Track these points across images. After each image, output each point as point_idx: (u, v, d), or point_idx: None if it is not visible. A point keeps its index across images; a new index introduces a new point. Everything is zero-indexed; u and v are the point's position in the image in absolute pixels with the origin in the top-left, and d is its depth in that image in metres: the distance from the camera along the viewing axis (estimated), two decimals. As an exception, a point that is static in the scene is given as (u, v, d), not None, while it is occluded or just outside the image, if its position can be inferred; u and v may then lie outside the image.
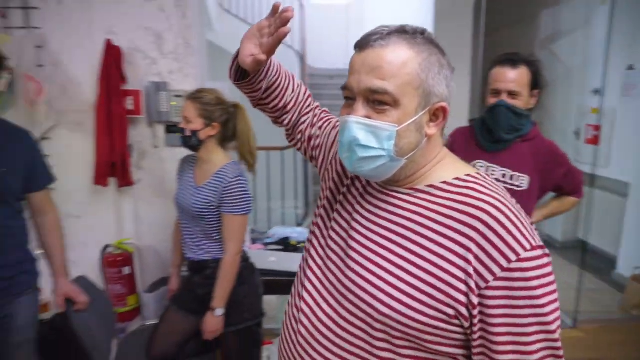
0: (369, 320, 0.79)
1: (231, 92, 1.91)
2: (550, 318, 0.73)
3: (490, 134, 1.71)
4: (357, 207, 0.88)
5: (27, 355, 1.66)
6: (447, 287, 0.74)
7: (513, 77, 1.62)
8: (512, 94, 1.63)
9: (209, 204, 1.80)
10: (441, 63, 0.80)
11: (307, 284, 0.91)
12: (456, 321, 0.74)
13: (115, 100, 2.38)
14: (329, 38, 7.31)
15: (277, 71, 1.01)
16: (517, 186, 1.67)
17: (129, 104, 2.46)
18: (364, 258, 0.82)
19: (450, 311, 0.74)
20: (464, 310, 0.73)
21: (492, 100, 1.67)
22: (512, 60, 1.63)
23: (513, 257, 0.72)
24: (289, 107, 1.09)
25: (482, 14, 3.37)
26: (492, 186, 0.80)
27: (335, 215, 0.92)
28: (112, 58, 2.39)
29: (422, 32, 0.80)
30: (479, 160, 1.73)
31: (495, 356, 0.74)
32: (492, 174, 1.70)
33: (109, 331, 1.97)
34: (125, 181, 2.46)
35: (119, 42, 2.44)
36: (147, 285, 2.56)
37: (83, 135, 2.52)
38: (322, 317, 0.86)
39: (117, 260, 2.45)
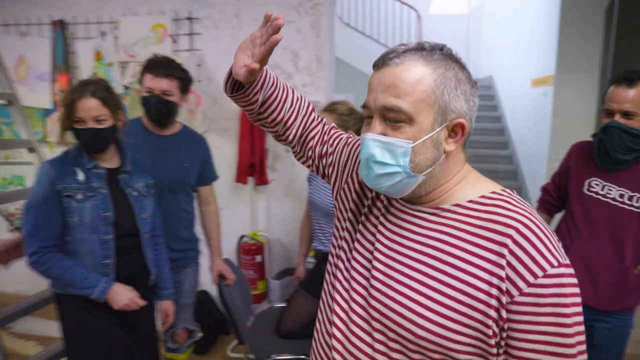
0: (404, 342, 0.78)
1: (357, 102, 2.15)
2: (574, 334, 0.72)
3: (607, 153, 1.67)
4: (380, 228, 0.87)
5: (189, 316, 2.06)
6: (482, 304, 0.73)
7: (629, 97, 1.55)
8: (627, 115, 1.57)
9: None
10: (458, 78, 0.79)
11: (336, 308, 0.89)
12: (492, 340, 0.74)
13: (257, 110, 2.76)
14: (445, 48, 7.29)
15: (273, 83, 0.98)
16: (637, 207, 1.63)
17: (268, 113, 2.82)
18: (393, 280, 0.81)
19: (486, 329, 0.74)
20: (495, 328, 0.73)
21: (604, 121, 1.63)
22: (629, 79, 1.57)
23: (540, 273, 0.71)
24: (290, 121, 1.04)
25: (614, 19, 3.21)
26: (519, 203, 0.79)
27: (358, 236, 0.90)
28: (256, 74, 2.77)
29: (441, 47, 0.80)
30: (594, 178, 1.70)
31: None
32: (609, 194, 1.67)
33: (247, 308, 2.30)
34: (262, 180, 2.83)
35: (262, 60, 2.81)
36: (274, 273, 2.90)
37: (228, 140, 2.94)
38: (357, 342, 0.84)
39: (251, 249, 2.82)
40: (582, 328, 0.73)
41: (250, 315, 2.42)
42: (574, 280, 0.73)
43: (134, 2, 2.99)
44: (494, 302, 0.73)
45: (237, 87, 0.97)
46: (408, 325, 0.77)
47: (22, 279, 3.18)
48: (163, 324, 1.87)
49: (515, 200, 0.80)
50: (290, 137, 1.06)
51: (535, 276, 0.72)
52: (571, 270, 0.74)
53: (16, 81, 3.22)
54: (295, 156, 1.11)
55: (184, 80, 1.95)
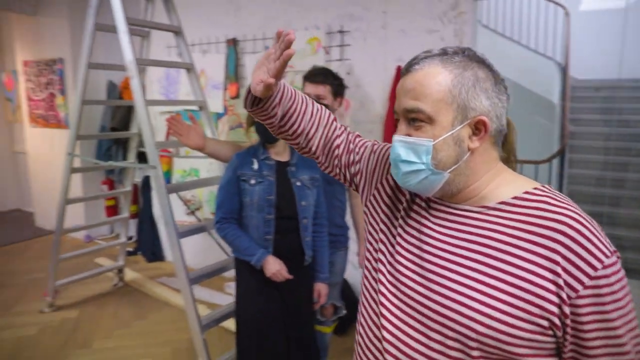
0: (464, 340, 0.79)
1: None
2: (633, 318, 0.77)
3: None
4: (425, 229, 0.88)
5: (337, 294, 2.37)
6: (540, 299, 0.75)
7: None
8: None
9: None
10: (477, 77, 0.82)
11: (384, 311, 0.88)
12: (550, 332, 0.76)
13: (400, 114, 2.98)
14: (597, 46, 6.74)
15: (291, 97, 1.01)
16: None
17: (410, 117, 3.03)
18: (448, 279, 0.82)
19: (545, 322, 0.75)
20: (557, 321, 0.75)
21: None
22: None
23: (599, 265, 0.74)
24: (311, 132, 1.06)
25: None
26: (563, 199, 0.81)
27: (399, 239, 0.91)
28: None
29: (464, 51, 0.84)
30: None
31: None
32: None
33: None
34: (401, 179, 3.05)
35: (405, 67, 3.03)
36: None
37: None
38: (412, 343, 0.84)
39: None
40: (633, 307, 0.78)
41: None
42: (621, 272, 0.77)
43: (293, 19, 3.43)
44: (554, 297, 0.75)
45: (256, 102, 1.00)
46: (468, 322, 0.78)
47: (188, 255, 3.82)
48: (315, 303, 2.17)
49: (557, 196, 0.82)
50: (314, 149, 1.09)
51: (595, 269, 0.74)
52: (618, 260, 0.77)
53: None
54: (321, 167, 1.13)
55: (337, 86, 2.26)
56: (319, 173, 2.08)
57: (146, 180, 4.57)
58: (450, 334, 0.80)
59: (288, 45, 0.87)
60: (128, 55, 2.48)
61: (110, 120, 4.83)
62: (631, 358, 0.77)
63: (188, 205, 4.19)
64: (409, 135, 0.84)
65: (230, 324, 3.10)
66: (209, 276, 2.62)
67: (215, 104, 3.85)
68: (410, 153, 0.83)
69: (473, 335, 0.77)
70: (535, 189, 0.83)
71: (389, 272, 0.91)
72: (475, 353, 0.78)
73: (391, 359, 0.86)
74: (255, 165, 2.01)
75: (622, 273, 0.77)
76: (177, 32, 2.87)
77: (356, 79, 3.24)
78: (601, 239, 0.77)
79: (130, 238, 4.73)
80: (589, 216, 0.80)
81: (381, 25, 3.11)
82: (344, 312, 2.52)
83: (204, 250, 3.91)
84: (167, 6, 2.89)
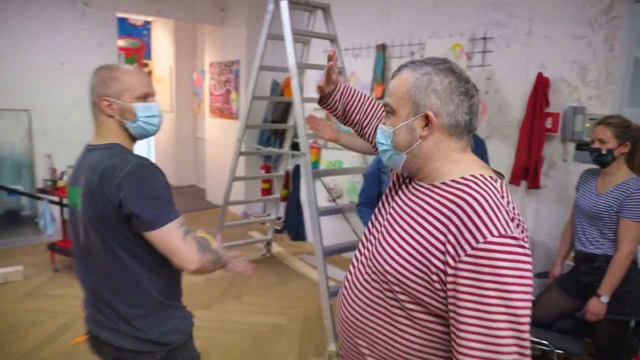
0: (379, 276, 1.02)
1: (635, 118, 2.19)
2: (518, 304, 0.83)
3: None
4: (396, 199, 1.11)
5: None
6: (431, 256, 0.92)
7: None
8: None
9: (609, 208, 2.16)
10: (431, 81, 0.99)
11: (354, 259, 1.16)
12: (439, 285, 0.92)
13: (537, 120, 3.00)
14: None
15: (349, 94, 1.42)
16: None
17: (548, 123, 3.03)
18: (387, 235, 1.04)
19: (434, 276, 0.92)
20: (443, 277, 0.91)
21: None
22: None
23: (481, 239, 0.86)
24: (365, 122, 1.44)
25: None
26: (485, 185, 0.93)
27: (382, 207, 1.17)
28: (541, 86, 3.01)
29: (438, 62, 1.02)
30: None
31: (460, 326, 0.88)
32: None
33: None
34: (534, 184, 3.06)
35: (548, 74, 3.03)
36: (534, 272, 3.09)
37: (507, 145, 3.27)
38: (355, 277, 1.11)
39: (515, 245, 3.09)
40: (526, 296, 0.84)
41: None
42: (521, 251, 0.85)
43: (439, 27, 3.63)
44: (441, 256, 0.91)
45: (323, 99, 1.44)
46: (383, 263, 1.01)
47: (326, 237, 4.26)
48: None
49: (483, 183, 0.94)
50: (367, 135, 1.45)
51: (477, 242, 0.86)
52: (520, 243, 0.86)
53: (346, 90, 4.35)
54: (376, 152, 1.42)
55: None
56: None
57: (297, 169, 5.20)
58: (374, 270, 1.04)
59: (329, 58, 1.31)
60: (291, 59, 2.99)
61: (271, 113, 5.58)
62: (500, 335, 0.84)
63: (330, 193, 4.67)
64: (384, 124, 1.07)
65: None
66: (340, 251, 3.02)
67: (361, 103, 4.25)
68: (382, 136, 1.07)
69: (383, 272, 1.01)
70: (472, 176, 0.97)
71: (370, 232, 1.16)
72: (384, 286, 1.02)
73: (344, 290, 1.14)
74: None
75: (514, 257, 0.85)
76: (333, 39, 3.31)
77: (496, 84, 3.32)
78: (495, 221, 0.88)
79: (279, 218, 5.43)
80: (502, 204, 0.91)
81: (526, 32, 3.15)
82: None
83: (339, 234, 4.35)
84: (325, 17, 3.35)
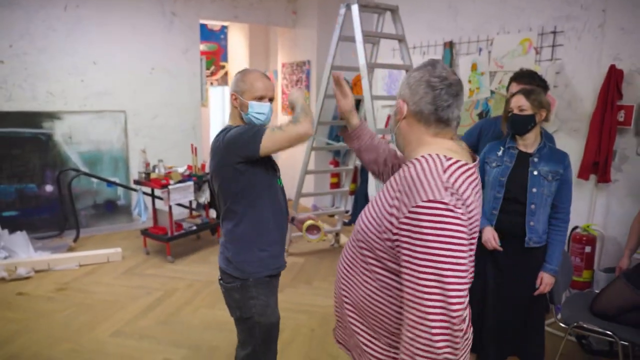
0: (356, 236, 1.23)
1: None
2: (444, 266, 0.98)
3: None
4: None
5: None
6: (385, 216, 1.11)
7: None
8: None
9: None
10: (410, 76, 1.21)
11: None
12: (389, 243, 1.10)
13: (608, 113, 2.97)
14: None
15: (367, 136, 1.61)
16: None
17: (620, 116, 2.98)
18: (371, 202, 1.23)
19: (385, 235, 1.10)
20: (392, 235, 1.09)
21: None
22: None
23: (414, 202, 1.04)
24: (379, 166, 1.60)
25: None
26: (432, 160, 1.10)
27: None
28: (613, 79, 2.97)
29: (429, 62, 1.20)
30: None
31: (402, 281, 1.07)
32: None
33: (564, 283, 2.63)
34: (604, 179, 3.03)
35: (621, 66, 2.98)
36: (603, 267, 3.06)
37: (576, 139, 3.25)
38: (349, 240, 1.32)
39: (582, 239, 3.07)
40: (452, 259, 0.99)
41: (566, 292, 2.75)
42: (448, 214, 1.01)
43: (507, 22, 3.66)
44: (389, 216, 1.10)
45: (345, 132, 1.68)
46: (359, 223, 1.22)
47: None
48: (536, 289, 2.21)
49: (431, 158, 1.11)
50: (377, 174, 1.64)
51: (412, 205, 1.04)
52: (449, 207, 1.02)
53: (413, 87, 4.46)
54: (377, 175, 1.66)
55: (542, 88, 2.41)
56: (563, 168, 2.15)
57: (364, 164, 5.38)
58: (356, 232, 1.25)
59: (336, 81, 1.58)
60: (362, 60, 3.18)
61: (340, 111, 5.80)
62: (426, 292, 1.00)
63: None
64: None
65: None
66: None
67: (428, 99, 4.34)
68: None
69: (358, 233, 1.22)
70: (429, 154, 1.13)
71: None
72: (359, 244, 1.22)
73: (339, 262, 1.36)
74: (500, 152, 2.27)
75: (441, 218, 1.01)
76: (400, 39, 3.46)
77: (566, 78, 3.30)
78: (427, 187, 1.04)
79: (347, 211, 5.65)
80: (439, 175, 1.07)
81: (599, 23, 3.11)
82: None
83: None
84: (394, 18, 3.50)
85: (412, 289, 1.03)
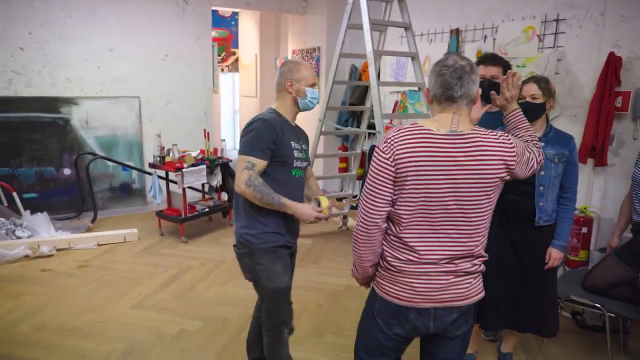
0: None
1: None
2: (368, 182, 1.52)
3: None
4: None
5: None
6: None
7: None
8: None
9: None
10: (431, 69, 1.52)
11: None
12: None
13: (606, 99, 3.07)
14: None
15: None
16: None
17: (618, 102, 3.08)
18: None
19: None
20: None
21: None
22: None
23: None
24: None
25: None
26: (395, 130, 1.51)
27: None
28: (612, 66, 3.06)
29: (446, 57, 1.51)
30: None
31: None
32: None
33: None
34: (601, 162, 3.14)
35: (621, 53, 3.07)
36: (598, 247, 3.19)
37: (576, 124, 3.35)
38: None
39: (579, 220, 3.18)
40: (370, 178, 1.51)
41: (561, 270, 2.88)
42: (375, 153, 1.50)
43: (512, 10, 3.74)
44: None
45: None
46: None
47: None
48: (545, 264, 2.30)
49: (407, 125, 1.52)
50: None
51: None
52: (378, 149, 1.50)
53: (423, 74, 4.57)
54: None
55: (505, 67, 2.44)
56: (568, 151, 2.23)
57: (372, 149, 5.51)
58: None
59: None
60: (369, 47, 3.30)
61: (349, 97, 5.92)
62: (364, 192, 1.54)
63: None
64: None
65: None
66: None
67: (434, 86, 4.45)
68: None
69: None
70: (411, 123, 1.55)
71: None
72: None
73: None
74: None
75: (375, 154, 1.52)
76: (407, 27, 3.57)
77: (567, 65, 3.39)
78: (383, 139, 1.55)
79: (355, 196, 5.80)
80: (391, 134, 1.50)
81: (600, 12, 3.19)
82: None
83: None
84: (400, 6, 3.61)
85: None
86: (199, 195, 5.31)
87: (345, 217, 5.02)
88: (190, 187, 4.80)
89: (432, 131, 1.45)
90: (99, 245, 4.37)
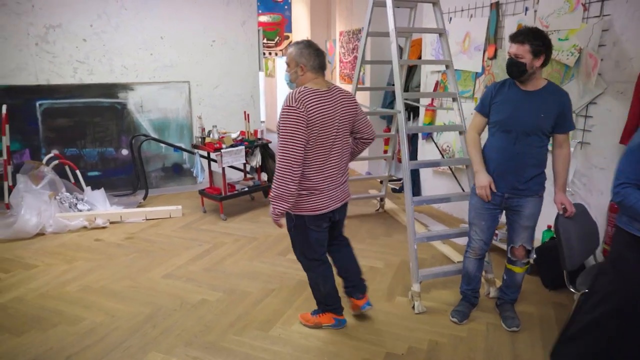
0: None
1: None
2: (286, 136, 2.20)
3: None
4: None
5: (527, 237, 2.62)
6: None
7: None
8: None
9: None
10: (301, 49, 2.35)
11: None
12: None
13: (652, 73, 2.76)
14: None
15: None
16: None
17: (666, 76, 2.76)
18: None
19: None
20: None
21: None
22: None
23: (282, 107, 2.25)
24: None
25: None
26: (295, 89, 2.27)
27: None
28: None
29: (309, 44, 2.37)
30: None
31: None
32: None
33: (584, 249, 2.55)
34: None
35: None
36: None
37: (622, 102, 3.05)
38: None
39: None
40: (288, 134, 2.21)
41: (591, 258, 2.66)
42: (289, 111, 2.20)
43: (556, -22, 3.45)
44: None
45: None
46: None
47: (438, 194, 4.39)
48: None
49: (300, 89, 2.27)
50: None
51: (283, 108, 2.26)
52: (292, 108, 2.20)
53: (461, 52, 4.37)
54: None
55: (536, 46, 2.35)
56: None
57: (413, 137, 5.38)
58: None
59: None
60: (391, 24, 3.22)
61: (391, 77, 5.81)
62: (277, 153, 2.24)
63: (443, 154, 4.79)
64: None
65: (442, 246, 3.75)
66: (429, 202, 3.25)
67: (475, 64, 4.25)
68: None
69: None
70: (303, 87, 2.31)
71: None
72: None
73: None
74: None
75: (288, 119, 2.20)
76: (434, 2, 3.43)
77: (614, 35, 3.09)
78: (287, 101, 2.23)
79: (399, 179, 5.73)
80: (297, 94, 2.24)
81: (651, -26, 2.87)
82: (534, 256, 2.70)
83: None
84: (433, -19, 3.47)
85: (278, 145, 2.25)
86: (241, 175, 5.52)
87: (382, 199, 4.98)
88: (232, 167, 5.00)
89: (320, 90, 2.29)
90: (146, 219, 4.72)
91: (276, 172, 2.23)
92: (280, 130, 2.21)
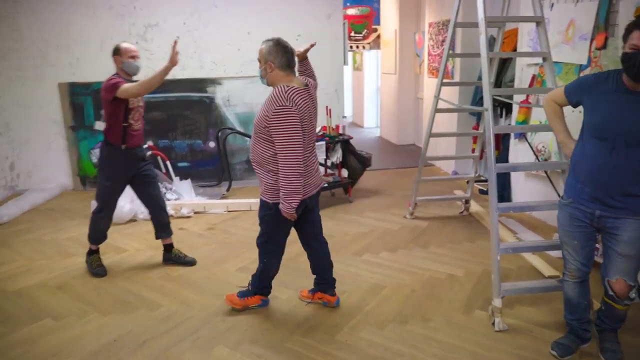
0: (255, 129, 2.54)
1: None
2: (287, 134, 2.35)
3: None
4: None
5: (628, 269, 2.16)
6: (265, 120, 2.42)
7: None
8: None
9: None
10: (272, 47, 2.50)
11: None
12: (267, 130, 2.42)
13: None
14: None
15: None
16: None
17: None
18: None
19: (266, 129, 2.42)
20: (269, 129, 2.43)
21: None
22: None
23: (273, 110, 2.36)
24: None
25: None
26: (281, 87, 2.40)
27: None
28: None
29: (278, 41, 2.50)
30: None
31: (274, 142, 2.43)
32: None
33: None
34: None
35: None
36: None
37: None
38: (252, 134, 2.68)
39: None
40: (287, 132, 2.36)
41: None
42: (287, 111, 2.34)
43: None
44: (265, 117, 2.42)
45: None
46: (255, 122, 2.58)
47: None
48: None
49: (282, 87, 2.40)
50: None
51: (271, 111, 2.38)
52: (287, 106, 2.34)
53: (564, 42, 3.92)
54: None
55: None
56: None
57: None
58: (255, 127, 2.57)
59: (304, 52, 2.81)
60: (480, 14, 2.96)
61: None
62: (280, 152, 2.39)
63: (537, 156, 4.36)
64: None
65: (531, 257, 3.44)
66: (515, 210, 2.94)
67: (580, 55, 3.78)
68: None
69: (256, 127, 2.54)
70: (282, 85, 2.44)
71: None
72: (258, 130, 2.57)
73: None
74: None
75: (285, 118, 2.33)
76: (534, -12, 3.08)
77: None
78: (278, 101, 2.34)
79: (479, 179, 5.35)
80: (284, 93, 2.37)
81: None
82: (634, 295, 2.27)
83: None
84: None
85: (278, 145, 2.37)
86: (322, 170, 5.48)
87: (467, 201, 4.66)
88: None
89: (299, 89, 2.43)
90: (228, 211, 4.87)
91: (284, 170, 2.38)
92: (278, 130, 2.35)
